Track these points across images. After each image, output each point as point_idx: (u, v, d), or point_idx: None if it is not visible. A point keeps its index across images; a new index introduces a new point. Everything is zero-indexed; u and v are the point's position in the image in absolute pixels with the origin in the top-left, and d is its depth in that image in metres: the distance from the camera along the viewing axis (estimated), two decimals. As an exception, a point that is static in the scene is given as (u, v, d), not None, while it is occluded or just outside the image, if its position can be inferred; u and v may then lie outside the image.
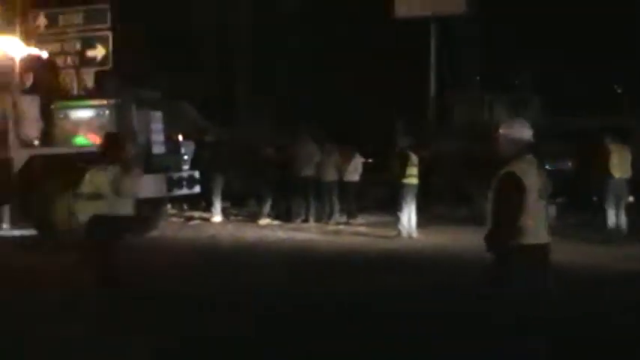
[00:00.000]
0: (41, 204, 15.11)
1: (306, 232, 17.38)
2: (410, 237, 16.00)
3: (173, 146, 16.46)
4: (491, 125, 21.76)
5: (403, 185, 16.03)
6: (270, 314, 9.56)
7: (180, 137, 16.87)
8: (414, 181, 16.14)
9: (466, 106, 22.67)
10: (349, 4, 25.82)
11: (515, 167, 6.11)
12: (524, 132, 6.26)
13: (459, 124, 22.32)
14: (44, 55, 17.15)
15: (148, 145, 15.64)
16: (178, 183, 16.01)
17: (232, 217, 19.78)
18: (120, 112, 15.35)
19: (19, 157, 15.31)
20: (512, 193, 6.01)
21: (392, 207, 16.95)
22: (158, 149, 15.87)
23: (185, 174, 16.46)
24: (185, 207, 20.51)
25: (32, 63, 16.31)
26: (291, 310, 9.74)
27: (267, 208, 18.91)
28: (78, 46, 20.60)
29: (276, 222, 18.71)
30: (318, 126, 20.96)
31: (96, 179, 9.09)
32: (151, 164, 15.37)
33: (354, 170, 19.05)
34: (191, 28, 26.03)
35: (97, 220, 8.99)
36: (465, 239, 15.48)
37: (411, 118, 20.44)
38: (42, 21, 20.89)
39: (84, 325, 8.66)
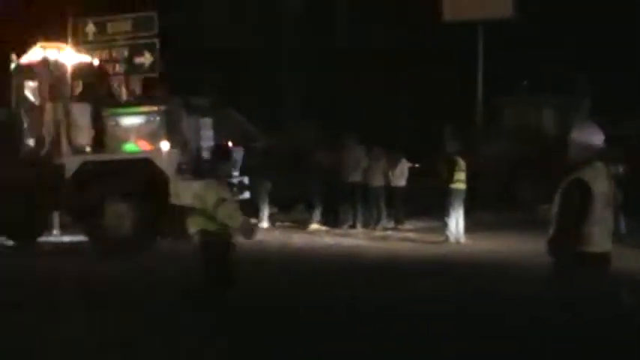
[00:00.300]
0: (92, 210, 15.35)
1: (354, 238, 17.49)
2: (457, 242, 16.07)
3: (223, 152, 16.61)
4: (540, 129, 21.91)
5: (451, 190, 16.10)
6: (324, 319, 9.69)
7: (230, 143, 16.99)
8: (462, 186, 16.21)
9: (515, 109, 22.58)
10: (397, 7, 25.96)
11: (584, 174, 6.05)
12: (595, 137, 6.19)
13: (508, 128, 22.27)
14: (95, 62, 17.57)
15: (198, 151, 15.86)
16: (228, 189, 16.08)
17: (279, 223, 19.94)
18: (170, 119, 15.59)
19: (70, 164, 15.62)
20: (579, 200, 5.97)
21: (439, 212, 16.97)
22: (208, 155, 15.99)
23: (235, 180, 16.57)
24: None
25: (84, 70, 16.73)
26: (344, 315, 9.84)
27: (317, 213, 19.11)
28: (126, 53, 20.87)
29: (324, 228, 18.88)
30: (364, 131, 20.99)
31: (207, 194, 8.53)
32: (200, 171, 15.45)
33: (401, 175, 19.16)
34: (236, 34, 26.34)
35: (208, 235, 8.55)
36: (514, 244, 15.62)
37: (458, 122, 20.39)
38: (91, 29, 21.22)
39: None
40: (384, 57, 26.34)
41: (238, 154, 17.37)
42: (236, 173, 16.91)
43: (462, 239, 16.17)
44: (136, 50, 20.95)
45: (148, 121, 15.79)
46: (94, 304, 10.65)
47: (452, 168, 16.10)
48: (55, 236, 18.13)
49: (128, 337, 8.88)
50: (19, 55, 16.50)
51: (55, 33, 18.61)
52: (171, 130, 15.40)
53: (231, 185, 15.68)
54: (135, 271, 13.40)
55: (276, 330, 9.24)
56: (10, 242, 17.35)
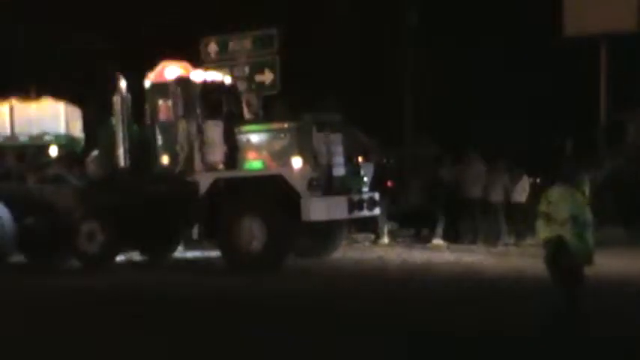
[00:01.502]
0: (224, 227, 16.13)
1: (475, 254, 17.76)
2: None
3: (353, 168, 17.16)
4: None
5: None
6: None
7: (360, 159, 17.56)
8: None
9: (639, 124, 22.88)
10: (517, 23, 26.60)
11: None
12: None
13: (633, 144, 22.57)
14: (227, 80, 18.37)
15: (329, 167, 16.42)
16: (359, 205, 16.65)
17: (399, 239, 20.60)
18: (301, 135, 16.17)
19: (203, 181, 16.38)
20: None
21: None
22: (338, 171, 16.61)
23: (365, 196, 17.06)
24: (351, 229, 20.96)
25: (216, 88, 17.52)
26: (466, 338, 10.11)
27: (438, 229, 19.67)
28: (247, 71, 22.09)
29: (444, 243, 19.41)
30: (484, 146, 21.42)
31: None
32: (332, 186, 16.20)
33: (522, 191, 19.46)
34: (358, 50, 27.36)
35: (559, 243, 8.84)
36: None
37: (580, 138, 20.91)
38: (213, 47, 22.52)
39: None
40: (504, 71, 27.03)
41: (368, 169, 18.04)
42: (366, 189, 17.38)
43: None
44: (256, 68, 22.07)
45: (279, 138, 16.43)
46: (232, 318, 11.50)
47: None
48: (180, 252, 19.20)
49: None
50: (144, 75, 17.37)
51: (177, 52, 19.79)
52: (302, 147, 15.96)
53: (361, 201, 16.62)
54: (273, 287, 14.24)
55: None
56: (139, 257, 18.54)
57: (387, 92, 27.24)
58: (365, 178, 17.48)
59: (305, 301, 12.76)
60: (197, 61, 20.04)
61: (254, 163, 16.52)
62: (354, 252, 18.81)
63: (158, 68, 17.47)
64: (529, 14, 26.36)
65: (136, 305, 12.87)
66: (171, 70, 17.13)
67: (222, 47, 22.69)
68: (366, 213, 17.13)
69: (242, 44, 22.50)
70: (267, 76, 22.12)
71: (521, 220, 19.54)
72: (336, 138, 16.78)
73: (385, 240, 20.13)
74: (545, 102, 26.97)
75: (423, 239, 20.28)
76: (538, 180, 21.80)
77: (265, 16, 23.81)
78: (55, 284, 15.62)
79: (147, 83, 17.26)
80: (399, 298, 12.91)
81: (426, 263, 16.77)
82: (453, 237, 19.76)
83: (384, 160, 20.14)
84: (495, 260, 16.98)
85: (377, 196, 17.54)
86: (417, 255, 18.00)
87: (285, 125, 16.57)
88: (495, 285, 14.02)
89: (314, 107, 18.29)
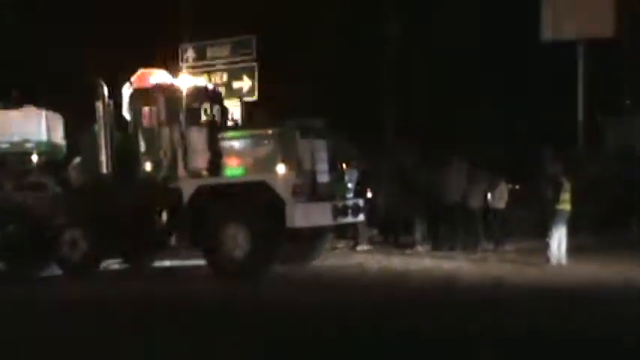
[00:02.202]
0: (208, 234, 16.41)
1: (454, 260, 18.10)
2: (559, 264, 16.78)
3: (337, 174, 17.45)
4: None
5: (556, 211, 16.88)
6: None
7: (344, 165, 17.78)
8: (567, 207, 16.97)
9: (618, 130, 23.18)
10: (497, 27, 27.22)
11: None
12: None
13: (612, 149, 22.93)
14: (210, 86, 18.76)
15: (313, 173, 16.66)
16: (343, 211, 16.99)
17: (377, 245, 20.92)
18: (285, 142, 16.41)
19: (187, 188, 16.67)
20: None
21: (538, 234, 17.87)
22: (323, 178, 16.90)
23: (350, 202, 17.40)
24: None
25: (199, 94, 17.78)
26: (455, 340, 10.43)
27: (418, 235, 20.12)
28: (225, 77, 22.69)
29: (423, 249, 19.82)
30: (463, 151, 21.58)
31: None
32: (316, 193, 16.45)
33: (500, 197, 19.77)
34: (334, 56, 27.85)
35: None
36: (618, 267, 16.21)
37: (559, 143, 21.39)
38: (191, 54, 23.11)
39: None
40: (482, 76, 27.45)
41: (352, 175, 18.31)
42: (350, 195, 17.76)
43: (564, 261, 16.86)
44: (234, 75, 22.67)
45: (263, 145, 16.74)
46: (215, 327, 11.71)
47: (557, 189, 16.90)
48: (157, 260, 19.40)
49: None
50: (125, 81, 17.71)
51: (154, 58, 20.15)
52: (286, 153, 16.20)
53: (345, 207, 16.85)
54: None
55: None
56: (117, 265, 18.86)
57: (367, 98, 27.62)
58: (349, 185, 17.78)
59: (286, 311, 13.03)
60: (175, 68, 20.26)
61: (238, 169, 16.78)
62: (334, 258, 19.09)
63: (137, 74, 17.82)
64: (508, 18, 26.88)
65: (124, 313, 13.16)
66: (154, 76, 17.46)
67: (200, 53, 23.23)
68: (350, 219, 17.43)
69: (220, 50, 23.10)
70: (245, 83, 22.69)
71: (499, 226, 19.90)
72: (320, 144, 17.06)
73: (364, 246, 20.49)
74: (522, 107, 27.48)
75: (401, 245, 20.62)
76: (517, 186, 22.20)
77: (243, 22, 24.28)
78: (44, 293, 15.98)
79: (129, 89, 17.55)
80: (377, 305, 13.15)
81: (404, 270, 17.05)
82: (432, 243, 20.13)
83: (364, 167, 20.48)
84: (474, 266, 17.32)
85: (361, 202, 17.88)
86: (397, 261, 18.30)
87: (269, 131, 16.82)
88: (474, 291, 14.35)
89: (294, 114, 18.53)
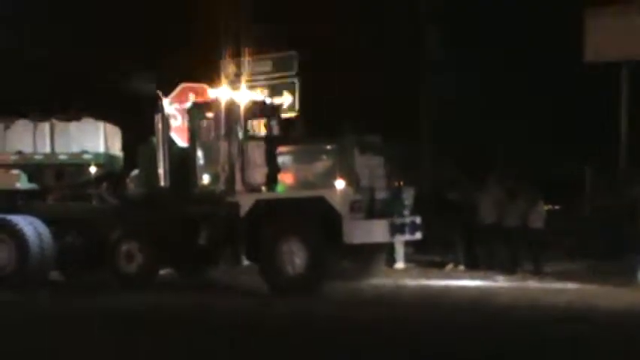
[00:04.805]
0: (265, 248, 17.52)
1: (491, 280, 19.35)
2: None
3: (395, 191, 18.52)
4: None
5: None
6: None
7: (402, 182, 18.76)
8: None
9: None
10: (539, 48, 29.03)
11: None
12: None
13: None
14: (267, 100, 20.06)
15: (371, 190, 17.69)
16: (400, 228, 18.07)
17: (414, 263, 22.23)
18: (343, 157, 17.52)
19: (244, 202, 17.82)
20: None
21: (577, 255, 19.93)
22: (380, 194, 17.93)
23: (407, 219, 18.40)
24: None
25: (256, 108, 19.07)
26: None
27: (456, 254, 21.63)
28: (266, 93, 24.08)
29: (461, 269, 21.39)
30: (503, 171, 23.34)
31: None
32: (373, 209, 17.53)
33: (538, 216, 20.89)
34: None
35: None
36: None
37: (601, 164, 22.75)
38: (232, 69, 24.71)
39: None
40: (525, 96, 29.13)
41: (409, 193, 19.38)
42: (407, 212, 18.75)
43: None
44: (275, 90, 24.56)
45: (321, 159, 18.04)
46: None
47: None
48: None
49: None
50: (164, 95, 19.08)
51: (198, 74, 21.73)
52: (344, 169, 17.26)
53: (402, 225, 18.08)
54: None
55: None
56: (174, 276, 20.23)
57: (406, 117, 29.18)
58: (406, 202, 18.79)
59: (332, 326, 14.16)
60: (216, 83, 21.64)
61: (295, 184, 18.01)
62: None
63: (177, 90, 19.45)
64: (550, 40, 28.46)
65: (178, 326, 14.39)
66: (213, 90, 18.80)
67: (242, 69, 24.81)
68: (407, 237, 18.62)
69: (262, 66, 25.15)
70: (286, 98, 24.64)
71: (538, 247, 20.91)
72: (378, 161, 18.14)
73: (401, 264, 21.79)
74: (565, 127, 28.99)
75: (439, 264, 22.00)
76: (557, 207, 23.91)
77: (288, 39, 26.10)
78: (104, 303, 17.31)
79: (188, 104, 18.84)
80: (413, 323, 14.28)
81: (443, 289, 18.23)
82: (470, 262, 21.46)
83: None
84: (513, 286, 18.44)
85: (418, 220, 18.81)
86: (434, 280, 19.45)
87: (328, 147, 18.11)
88: (508, 313, 15.33)
89: (335, 130, 19.49)
